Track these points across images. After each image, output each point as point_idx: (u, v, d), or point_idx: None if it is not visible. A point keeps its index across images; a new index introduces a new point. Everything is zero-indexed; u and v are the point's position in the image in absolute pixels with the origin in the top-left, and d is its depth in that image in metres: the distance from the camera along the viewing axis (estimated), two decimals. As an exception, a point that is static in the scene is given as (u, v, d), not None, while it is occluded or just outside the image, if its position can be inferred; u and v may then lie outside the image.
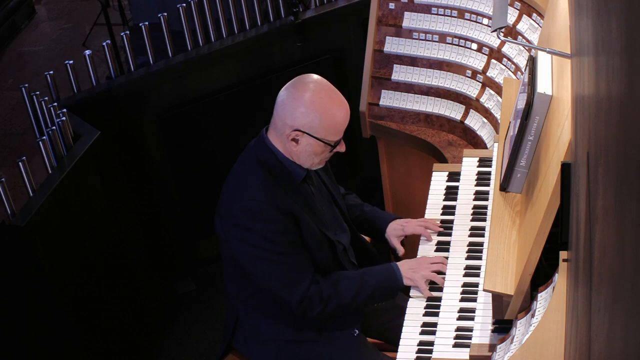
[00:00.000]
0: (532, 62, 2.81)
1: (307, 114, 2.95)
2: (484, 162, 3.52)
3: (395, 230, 3.33)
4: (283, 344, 3.16)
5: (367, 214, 3.40)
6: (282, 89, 3.03)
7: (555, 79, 2.68)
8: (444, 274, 3.12)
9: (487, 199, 3.32)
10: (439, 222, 3.37)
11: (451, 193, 3.48)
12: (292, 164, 3.04)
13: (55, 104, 4.24)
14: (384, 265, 3.17)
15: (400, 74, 4.16)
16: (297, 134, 2.96)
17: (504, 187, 2.83)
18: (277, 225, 2.96)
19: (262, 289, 3.08)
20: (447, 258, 3.17)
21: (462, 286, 3.04)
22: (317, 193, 3.17)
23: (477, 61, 3.93)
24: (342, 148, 3.05)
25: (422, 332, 2.97)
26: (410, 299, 3.10)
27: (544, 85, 2.67)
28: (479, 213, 3.31)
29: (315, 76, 3.04)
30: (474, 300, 2.94)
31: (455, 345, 2.84)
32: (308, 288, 3.00)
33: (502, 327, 2.70)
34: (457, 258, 3.16)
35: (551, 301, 2.30)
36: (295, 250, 3.01)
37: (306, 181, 3.10)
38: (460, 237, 3.24)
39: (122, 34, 4.64)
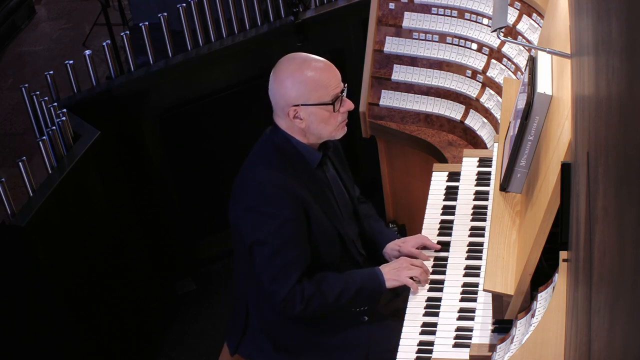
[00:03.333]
0: (532, 62, 2.81)
1: (293, 86, 3.00)
2: (484, 162, 3.52)
3: (392, 251, 3.32)
4: (295, 348, 3.17)
5: (371, 229, 3.40)
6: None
7: (555, 79, 2.68)
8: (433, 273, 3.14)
9: (487, 199, 3.32)
10: (438, 222, 3.37)
11: (451, 193, 3.48)
12: (306, 149, 3.08)
13: (55, 104, 4.24)
14: (368, 269, 3.19)
15: (400, 74, 4.16)
16: (295, 109, 3.00)
17: (504, 187, 2.83)
18: (287, 212, 2.99)
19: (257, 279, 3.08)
20: (447, 258, 3.17)
21: (462, 286, 3.04)
22: (331, 180, 3.20)
23: (477, 61, 3.93)
24: (347, 104, 3.06)
25: (422, 332, 2.97)
26: (409, 299, 3.11)
27: (544, 85, 2.67)
28: (479, 213, 3.31)
29: (291, 54, 3.10)
30: (474, 300, 2.94)
31: (455, 345, 2.84)
32: (294, 286, 3.01)
33: (502, 327, 2.70)
34: (457, 258, 3.16)
35: (551, 301, 2.30)
36: (297, 243, 3.02)
37: (321, 167, 3.13)
38: (460, 237, 3.24)
39: (122, 34, 4.64)
